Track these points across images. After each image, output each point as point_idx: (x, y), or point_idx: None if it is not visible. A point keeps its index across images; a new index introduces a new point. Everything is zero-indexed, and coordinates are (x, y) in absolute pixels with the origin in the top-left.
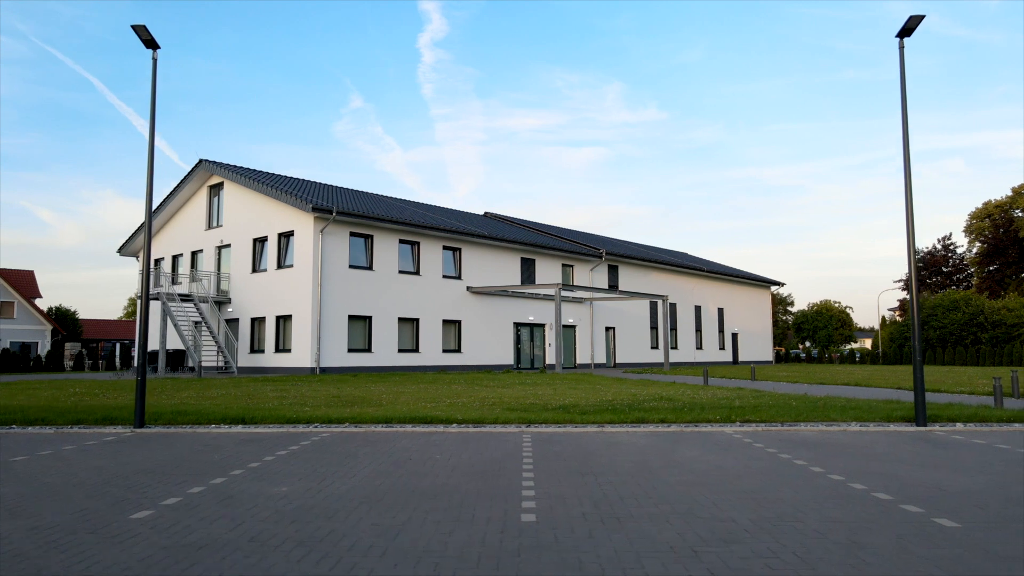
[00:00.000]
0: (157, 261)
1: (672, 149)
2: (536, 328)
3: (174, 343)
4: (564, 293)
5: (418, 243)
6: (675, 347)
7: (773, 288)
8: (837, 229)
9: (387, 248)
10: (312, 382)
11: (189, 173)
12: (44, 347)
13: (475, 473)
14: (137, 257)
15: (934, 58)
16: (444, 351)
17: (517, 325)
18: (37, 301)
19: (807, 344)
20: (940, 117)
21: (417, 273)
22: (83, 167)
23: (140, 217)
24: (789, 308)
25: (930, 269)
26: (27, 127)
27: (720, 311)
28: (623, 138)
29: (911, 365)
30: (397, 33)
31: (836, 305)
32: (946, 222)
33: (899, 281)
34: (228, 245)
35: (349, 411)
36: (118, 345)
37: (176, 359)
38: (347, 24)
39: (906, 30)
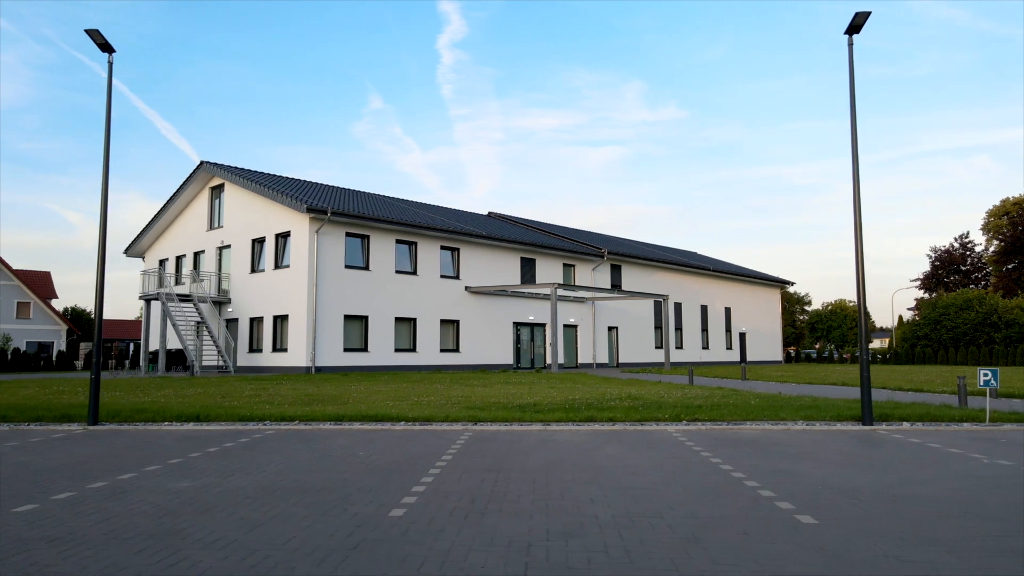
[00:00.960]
0: (162, 262)
1: (691, 148)
2: (536, 328)
3: (179, 343)
4: (565, 293)
5: (415, 243)
6: (680, 347)
7: (791, 288)
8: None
9: (384, 248)
10: (298, 381)
11: (191, 175)
12: (60, 347)
13: (383, 469)
14: (143, 258)
15: (964, 54)
16: (442, 351)
17: (517, 325)
18: (53, 302)
19: (823, 343)
20: (968, 113)
21: (414, 273)
22: (111, 170)
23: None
24: (806, 308)
25: (947, 268)
26: (55, 131)
27: (727, 311)
28: (642, 137)
29: (921, 364)
30: (417, 34)
31: (851, 304)
32: (969, 220)
33: (916, 280)
34: (228, 246)
35: (306, 409)
36: (131, 345)
37: (178, 358)
38: (367, 26)
39: (854, 27)
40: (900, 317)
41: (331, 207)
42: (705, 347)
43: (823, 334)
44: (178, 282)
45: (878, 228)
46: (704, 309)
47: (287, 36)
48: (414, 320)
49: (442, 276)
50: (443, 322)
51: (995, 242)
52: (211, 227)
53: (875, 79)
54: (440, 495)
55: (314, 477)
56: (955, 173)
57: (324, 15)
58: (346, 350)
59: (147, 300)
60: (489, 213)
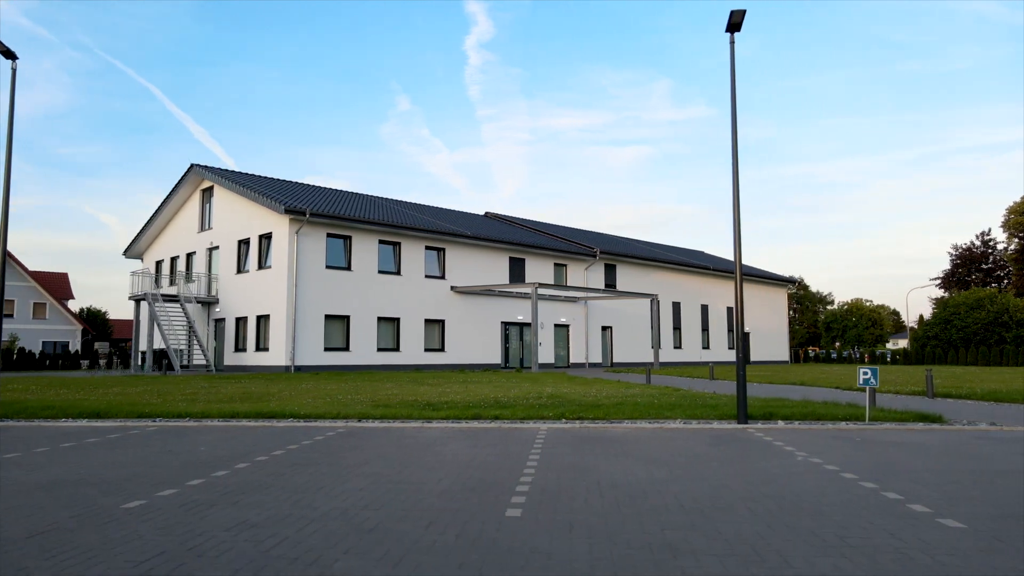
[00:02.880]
0: (158, 263)
1: (720, 147)
2: (525, 327)
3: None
4: (556, 292)
5: (399, 243)
6: (679, 347)
7: (815, 288)
8: (891, 225)
9: (366, 248)
10: (258, 380)
11: (182, 178)
12: (75, 346)
13: (200, 464)
14: (142, 259)
15: (1001, 49)
16: (426, 350)
17: (505, 324)
18: (70, 303)
19: (838, 344)
20: (1005, 108)
21: (398, 273)
22: (144, 173)
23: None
24: (829, 307)
25: (968, 266)
26: (92, 136)
27: (730, 310)
28: (669, 136)
29: (930, 364)
30: (444, 36)
31: (867, 304)
32: (997, 218)
33: (936, 278)
34: (217, 247)
35: (212, 407)
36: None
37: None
38: (395, 28)
39: (733, 25)
40: (921, 316)
41: (310, 208)
42: (706, 347)
43: (839, 334)
44: (172, 283)
45: (912, 226)
46: (705, 309)
47: (314, 39)
48: (397, 320)
49: (427, 276)
50: (428, 322)
51: (1015, 240)
52: (201, 229)
53: (907, 74)
54: (208, 488)
55: (119, 471)
56: (992, 169)
57: (351, 18)
58: (327, 349)
59: (136, 301)
60: (486, 213)
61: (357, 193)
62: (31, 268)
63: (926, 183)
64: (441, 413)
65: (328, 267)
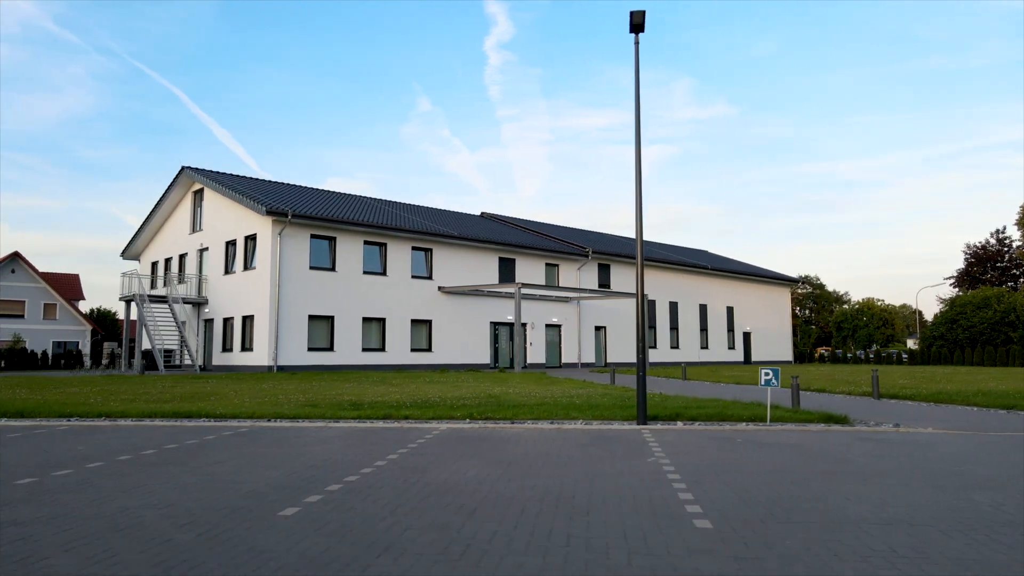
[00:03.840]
0: (154, 264)
1: (742, 145)
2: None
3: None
4: (546, 292)
5: (385, 244)
6: (676, 347)
7: (831, 287)
8: (910, 223)
9: (351, 249)
10: (226, 380)
11: (174, 180)
12: (84, 346)
13: (50, 464)
14: (139, 260)
15: (1019, 44)
16: (413, 350)
17: (495, 324)
18: (81, 303)
19: (850, 344)
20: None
21: (384, 274)
22: (169, 175)
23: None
24: (844, 307)
25: (983, 264)
26: (119, 139)
27: (730, 310)
28: (690, 135)
29: (935, 365)
30: (464, 36)
31: (878, 304)
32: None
33: (949, 278)
34: (207, 248)
35: (129, 407)
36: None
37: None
38: (415, 29)
39: (635, 26)
40: (935, 315)
41: (293, 210)
42: (704, 347)
43: (849, 334)
44: (166, 284)
45: (931, 224)
46: (703, 308)
47: (335, 41)
48: (383, 320)
49: (414, 276)
50: (414, 322)
51: None
52: (193, 230)
53: (932, 70)
54: (31, 487)
55: None
56: (1015, 166)
57: (371, 20)
58: (311, 349)
59: (127, 301)
60: (482, 213)
61: (347, 194)
62: (48, 270)
63: (946, 181)
64: (355, 413)
65: (312, 268)
